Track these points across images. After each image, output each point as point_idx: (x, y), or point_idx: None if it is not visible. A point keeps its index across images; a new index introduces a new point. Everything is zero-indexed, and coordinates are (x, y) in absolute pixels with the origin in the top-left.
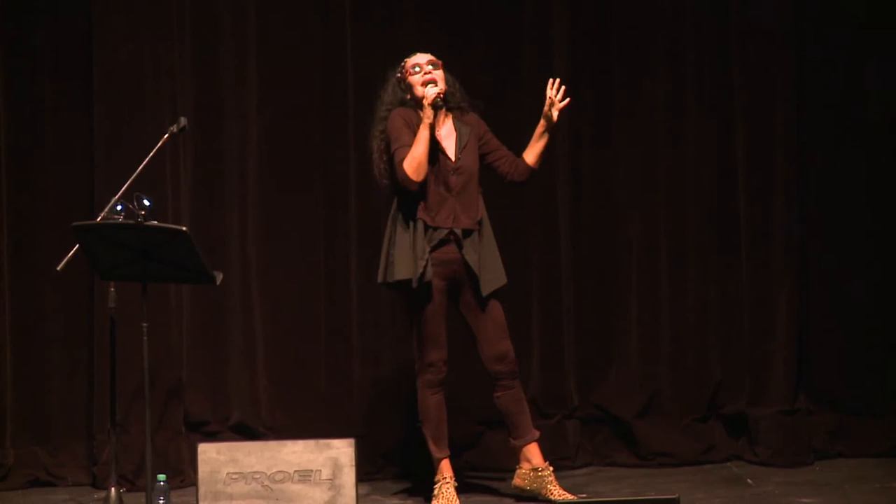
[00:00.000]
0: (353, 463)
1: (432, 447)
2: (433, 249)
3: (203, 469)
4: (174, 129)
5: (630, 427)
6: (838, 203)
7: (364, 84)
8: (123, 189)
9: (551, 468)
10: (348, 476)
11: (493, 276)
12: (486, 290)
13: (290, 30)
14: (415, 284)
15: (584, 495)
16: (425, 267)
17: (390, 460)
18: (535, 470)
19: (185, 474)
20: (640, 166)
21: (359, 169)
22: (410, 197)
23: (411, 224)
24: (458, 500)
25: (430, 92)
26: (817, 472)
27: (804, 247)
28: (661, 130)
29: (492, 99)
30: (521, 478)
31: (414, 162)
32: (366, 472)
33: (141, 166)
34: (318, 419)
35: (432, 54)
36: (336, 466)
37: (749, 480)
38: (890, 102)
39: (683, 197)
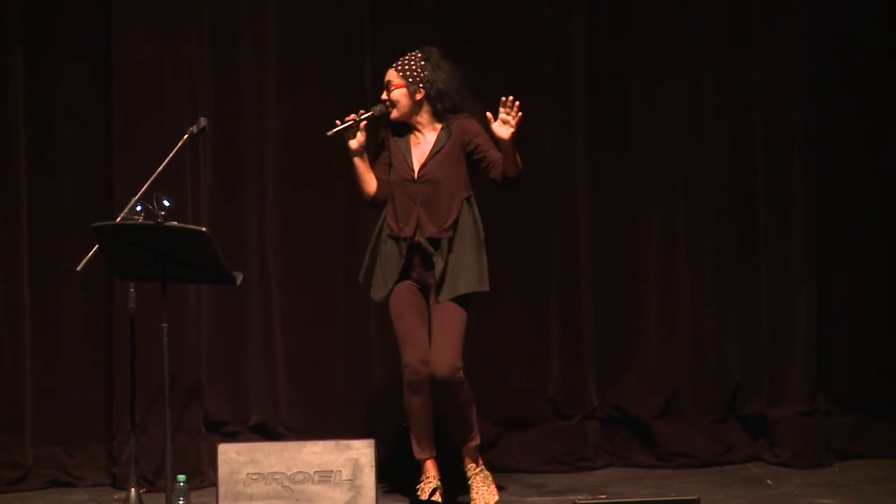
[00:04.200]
0: (373, 463)
1: (414, 447)
2: (405, 265)
3: (223, 469)
4: (194, 129)
5: (649, 428)
6: (857, 204)
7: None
8: (143, 190)
9: (477, 468)
10: (368, 477)
11: (455, 283)
12: (443, 296)
13: (309, 30)
14: (377, 298)
15: (604, 496)
16: (392, 285)
17: (411, 461)
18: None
19: (204, 475)
20: (659, 167)
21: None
22: (383, 207)
23: (383, 233)
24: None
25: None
26: (837, 474)
27: (823, 248)
28: (680, 131)
29: None
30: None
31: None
32: (385, 472)
33: (161, 167)
34: (337, 420)
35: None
36: (356, 467)
37: (769, 481)
38: None
39: (702, 198)
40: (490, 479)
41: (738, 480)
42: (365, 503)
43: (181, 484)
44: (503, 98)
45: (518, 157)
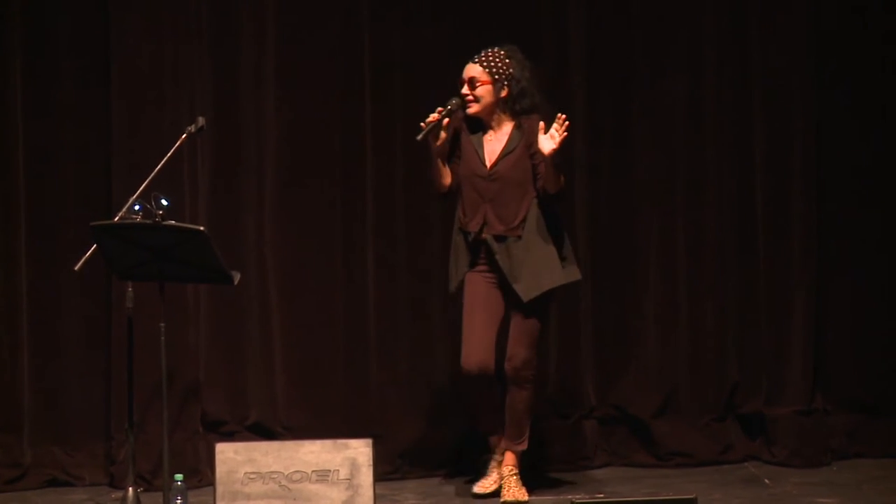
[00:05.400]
0: (371, 463)
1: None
2: (474, 260)
3: (220, 469)
4: (192, 129)
5: (648, 427)
6: (856, 204)
7: (382, 84)
8: (141, 189)
9: (514, 471)
10: (366, 476)
11: (528, 284)
12: (525, 297)
13: (309, 29)
14: (451, 289)
15: (602, 495)
16: (462, 277)
17: (408, 460)
18: (501, 471)
19: (202, 474)
20: (659, 166)
21: (376, 169)
22: (455, 199)
23: (455, 225)
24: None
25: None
26: (835, 473)
27: (822, 247)
28: (680, 131)
29: None
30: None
31: (429, 177)
32: (383, 472)
33: (159, 166)
34: (335, 419)
35: (481, 56)
36: (354, 466)
37: (766, 481)
38: None
39: (701, 197)
40: (521, 482)
41: (736, 480)
42: (363, 502)
43: (179, 483)
44: (558, 114)
45: (561, 175)
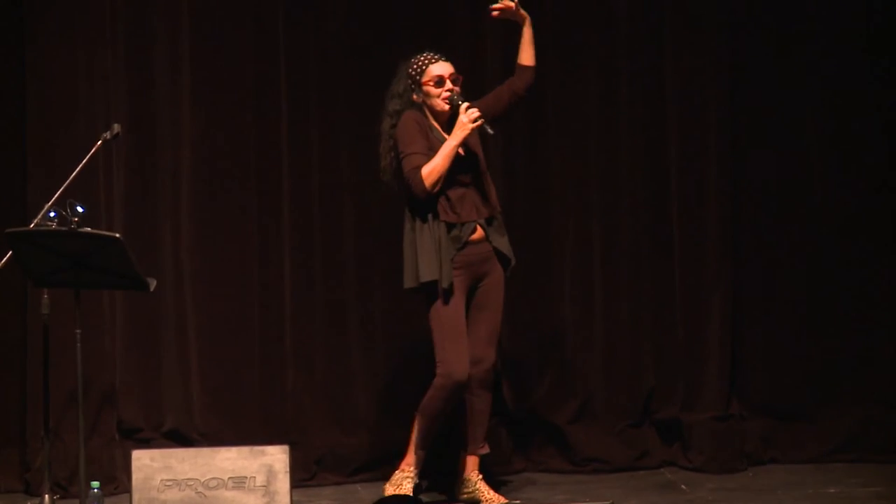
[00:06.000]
0: (288, 469)
1: (417, 440)
2: (461, 248)
3: (137, 476)
4: (107, 135)
5: (563, 433)
6: (771, 209)
7: (297, 88)
8: (56, 196)
9: (480, 476)
10: (282, 483)
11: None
12: (507, 272)
13: (223, 34)
14: (445, 284)
15: (519, 501)
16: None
17: (324, 467)
18: (467, 480)
19: (118, 481)
20: (573, 169)
21: (292, 174)
22: (428, 198)
23: (434, 226)
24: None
25: (474, 115)
26: (750, 478)
27: (737, 252)
28: (593, 134)
29: None
30: (458, 487)
31: (434, 174)
32: (300, 478)
33: (74, 173)
34: (251, 426)
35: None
36: (270, 473)
37: (683, 486)
38: (817, 102)
39: (616, 201)
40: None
41: (652, 485)
42: None
43: (95, 490)
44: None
45: None
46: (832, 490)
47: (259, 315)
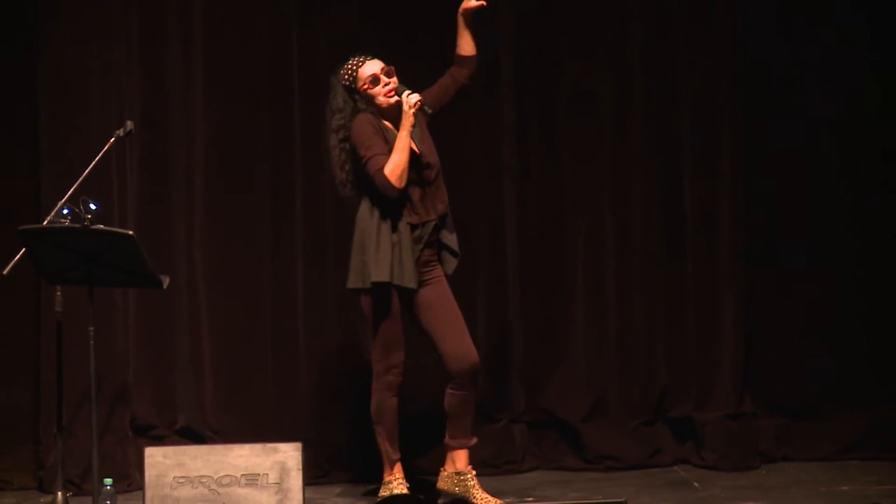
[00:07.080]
0: (300, 467)
1: (388, 448)
2: (424, 248)
3: (149, 473)
4: (120, 132)
5: (577, 431)
6: (784, 208)
7: (311, 86)
8: (70, 193)
9: (474, 472)
10: (295, 480)
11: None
12: (449, 270)
13: (237, 32)
14: (413, 285)
15: (531, 499)
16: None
17: (337, 464)
18: (459, 474)
19: (131, 478)
20: (586, 169)
21: (305, 171)
22: (388, 200)
23: (396, 227)
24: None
25: (413, 99)
26: (763, 476)
27: (750, 251)
28: (607, 134)
29: None
30: (444, 480)
31: (398, 170)
32: (312, 475)
33: (87, 170)
34: (264, 423)
35: (378, 58)
36: (283, 470)
37: (696, 484)
38: (830, 102)
39: (630, 202)
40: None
41: (665, 483)
42: None
43: (108, 487)
44: None
45: None
46: (845, 488)
47: (272, 313)
